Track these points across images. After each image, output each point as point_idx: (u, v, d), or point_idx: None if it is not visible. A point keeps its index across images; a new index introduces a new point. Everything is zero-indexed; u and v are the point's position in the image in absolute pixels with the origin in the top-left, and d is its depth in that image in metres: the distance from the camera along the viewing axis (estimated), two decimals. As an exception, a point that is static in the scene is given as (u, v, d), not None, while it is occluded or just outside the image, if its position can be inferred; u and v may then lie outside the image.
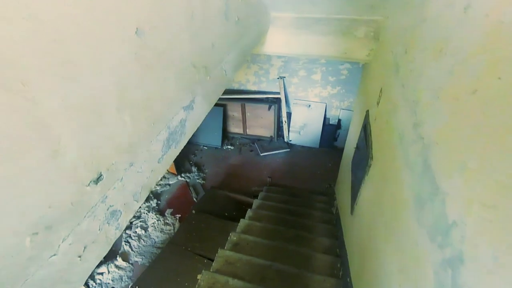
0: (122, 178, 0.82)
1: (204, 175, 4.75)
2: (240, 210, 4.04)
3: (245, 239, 2.64)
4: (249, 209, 3.41)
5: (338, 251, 2.75)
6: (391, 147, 1.58)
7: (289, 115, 5.29)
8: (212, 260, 2.43)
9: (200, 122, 1.33)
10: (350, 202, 2.53)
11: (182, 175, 4.64)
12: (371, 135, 2.16)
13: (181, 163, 4.91)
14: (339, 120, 5.09)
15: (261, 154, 5.11)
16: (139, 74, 0.83)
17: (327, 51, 2.64)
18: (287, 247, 2.56)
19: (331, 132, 5.18)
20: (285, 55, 4.57)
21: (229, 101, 5.11)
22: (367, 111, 2.42)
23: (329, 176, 4.65)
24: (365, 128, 2.38)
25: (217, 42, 1.40)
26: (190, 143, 5.42)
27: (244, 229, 2.90)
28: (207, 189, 4.37)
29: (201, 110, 1.31)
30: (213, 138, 5.29)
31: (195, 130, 1.28)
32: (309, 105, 5.07)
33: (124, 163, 0.82)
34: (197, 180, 4.61)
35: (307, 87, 4.93)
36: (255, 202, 3.67)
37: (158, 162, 1.00)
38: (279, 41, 2.67)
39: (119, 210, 0.83)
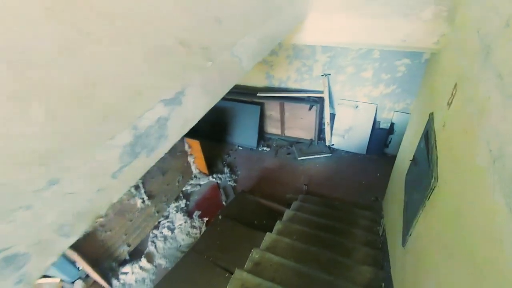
0: (30, 205, 0.53)
1: (236, 177, 4.49)
2: (270, 218, 3.68)
3: (269, 259, 2.28)
4: (278, 221, 3.03)
5: (383, 286, 2.22)
6: (473, 169, 1.07)
7: (332, 116, 4.75)
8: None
9: (195, 122, 1.00)
10: (402, 229, 1.99)
11: (214, 175, 4.45)
12: (436, 146, 1.62)
13: (213, 163, 4.73)
14: (392, 124, 4.39)
15: (299, 158, 4.67)
16: (63, 43, 0.53)
17: (381, 39, 2.12)
18: (318, 276, 2.13)
19: (382, 137, 4.50)
20: (328, 45, 4.06)
21: (267, 99, 4.77)
22: (431, 114, 1.86)
23: (377, 188, 4.02)
24: (427, 137, 1.83)
25: (227, 17, 1.07)
26: (224, 142, 5.22)
27: (270, 245, 2.54)
28: (238, 193, 4.10)
29: (197, 105, 0.98)
30: (249, 139, 5.01)
31: (185, 132, 0.96)
32: (357, 106, 4.47)
33: (33, 181, 0.53)
34: (228, 182, 4.37)
35: (355, 85, 4.34)
36: (286, 214, 3.27)
37: (113, 178, 0.70)
38: (320, 28, 2.24)
39: (25, 254, 0.54)
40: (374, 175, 4.25)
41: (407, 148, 2.55)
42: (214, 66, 1.04)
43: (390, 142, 4.52)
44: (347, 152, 4.73)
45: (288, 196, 4.06)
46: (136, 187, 3.38)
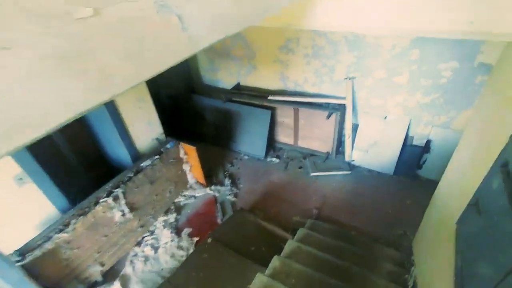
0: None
1: (237, 190, 3.90)
2: (271, 245, 3.05)
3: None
4: (276, 257, 2.40)
5: None
6: None
7: (355, 127, 4.04)
8: None
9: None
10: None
11: (212, 187, 3.89)
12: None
13: (214, 172, 4.18)
14: (428, 141, 3.62)
15: (312, 174, 4.00)
16: None
17: (432, 24, 1.46)
18: None
19: (415, 156, 3.73)
20: (352, 32, 3.38)
21: (279, 103, 4.16)
22: None
23: (405, 220, 3.26)
24: (508, 174, 1.14)
25: None
26: (229, 149, 4.66)
27: (259, 294, 1.92)
28: (236, 211, 3.51)
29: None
30: (256, 147, 4.41)
31: None
32: (385, 117, 3.74)
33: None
34: (228, 196, 3.79)
35: (385, 92, 3.63)
36: (289, 245, 2.63)
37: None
38: (340, 8, 1.61)
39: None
40: (402, 203, 3.49)
41: (457, 181, 1.83)
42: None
43: (424, 162, 3.74)
44: (369, 171, 4.00)
45: (295, 219, 3.40)
46: (115, 198, 2.89)
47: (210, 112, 4.74)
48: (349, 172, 3.96)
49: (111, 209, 2.86)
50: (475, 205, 1.32)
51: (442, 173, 3.71)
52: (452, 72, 3.10)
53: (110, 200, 2.83)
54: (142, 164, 3.21)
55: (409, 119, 3.61)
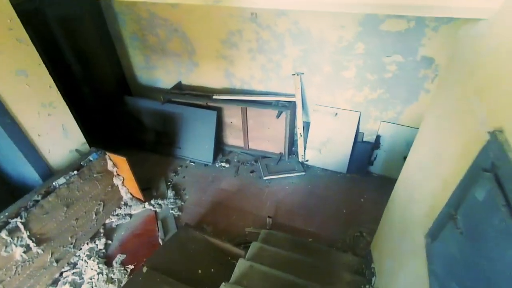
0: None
1: (183, 203, 3.43)
2: (222, 265, 2.68)
3: None
4: (223, 285, 2.03)
5: None
6: None
7: (306, 125, 3.86)
8: None
9: None
10: None
11: (153, 202, 3.36)
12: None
13: (155, 185, 3.64)
14: (378, 137, 3.57)
15: (265, 178, 3.71)
16: None
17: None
18: None
19: (366, 152, 3.67)
20: (295, 24, 3.17)
21: (226, 103, 3.79)
22: (496, 134, 0.94)
23: (361, 218, 3.14)
24: (498, 181, 0.90)
25: None
26: (173, 156, 4.15)
27: None
28: (180, 228, 3.04)
29: None
30: (203, 152, 3.98)
31: None
32: (336, 114, 3.61)
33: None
34: (171, 211, 3.30)
35: (334, 88, 3.49)
36: (239, 266, 2.27)
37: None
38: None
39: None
40: (357, 201, 3.37)
41: (419, 185, 1.65)
42: None
43: (375, 158, 3.69)
44: (324, 170, 3.85)
45: (248, 230, 3.07)
46: (12, 231, 2.23)
47: (148, 116, 4.17)
48: (303, 173, 3.76)
49: (6, 246, 2.20)
50: (452, 219, 1.10)
51: (392, 169, 3.75)
52: (397, 66, 3.05)
53: (3, 234, 2.17)
54: (54, 183, 2.58)
55: (358, 115, 3.52)
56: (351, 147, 3.62)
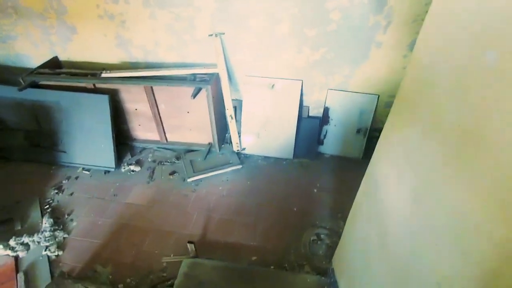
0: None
1: (66, 235, 2.32)
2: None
3: None
4: None
5: None
6: None
7: (238, 104, 2.99)
8: None
9: None
10: None
11: (13, 242, 2.17)
12: None
13: (20, 212, 2.42)
14: (326, 109, 2.89)
15: (190, 180, 2.77)
16: None
17: None
18: None
19: (313, 130, 2.97)
20: None
21: (122, 82, 2.69)
22: None
23: (316, 215, 2.45)
24: None
25: None
26: (57, 165, 2.92)
27: None
28: (52, 281, 1.95)
29: None
30: (100, 154, 2.84)
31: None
32: (273, 85, 2.80)
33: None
34: (45, 251, 2.17)
35: (267, 50, 2.65)
36: None
37: None
38: None
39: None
40: (309, 193, 2.67)
41: (415, 193, 0.89)
42: None
43: (325, 136, 3.02)
44: (265, 158, 3.05)
45: (164, 261, 2.13)
46: None
47: (10, 110, 2.84)
48: (240, 166, 2.91)
49: None
50: None
51: (346, 146, 3.12)
52: (341, 14, 2.32)
53: None
54: None
55: (300, 84, 2.76)
56: (295, 125, 2.87)
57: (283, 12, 2.39)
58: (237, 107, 3.04)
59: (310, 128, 2.97)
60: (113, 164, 2.84)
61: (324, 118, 2.93)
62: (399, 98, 1.07)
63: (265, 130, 2.94)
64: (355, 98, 2.76)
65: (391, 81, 2.62)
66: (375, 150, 1.34)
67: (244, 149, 3.04)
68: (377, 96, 2.73)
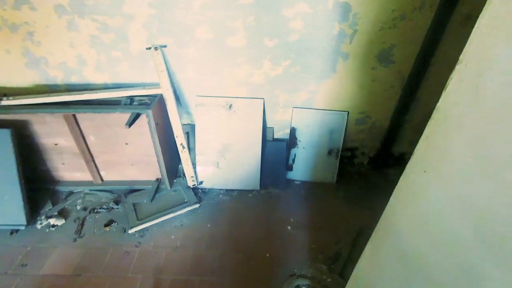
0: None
1: None
2: None
3: None
4: None
5: None
6: None
7: (190, 130, 2.51)
8: None
9: None
10: None
11: None
12: None
13: None
14: (293, 130, 2.54)
15: (131, 231, 2.16)
16: None
17: None
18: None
19: (280, 154, 2.59)
20: None
21: (31, 110, 2.04)
22: None
23: (293, 260, 2.02)
24: None
25: None
26: None
27: None
28: None
29: None
30: (3, 209, 2.11)
31: None
32: (230, 106, 2.38)
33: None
34: None
35: (219, 66, 2.24)
36: None
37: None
38: None
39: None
40: (282, 232, 2.23)
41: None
42: None
43: (294, 161, 2.65)
44: (228, 191, 2.57)
45: None
46: None
47: None
48: (197, 205, 2.38)
49: None
50: None
51: (318, 169, 2.75)
52: (303, 22, 2.02)
53: None
54: None
55: (262, 103, 2.39)
56: (259, 150, 2.46)
57: (235, 21, 2.01)
58: (190, 134, 2.55)
59: (277, 152, 2.58)
60: (23, 220, 2.12)
61: (292, 140, 2.57)
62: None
63: (225, 159, 2.48)
64: (324, 116, 2.45)
65: (360, 96, 2.37)
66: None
67: (201, 183, 2.53)
68: (347, 112, 2.45)
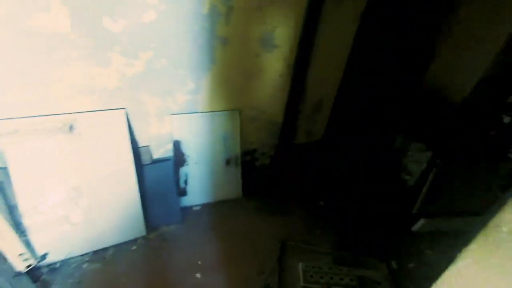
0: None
1: None
2: None
3: None
4: None
5: None
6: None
7: (3, 176, 1.49)
8: None
9: None
10: None
11: None
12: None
13: None
14: (177, 144, 1.92)
15: None
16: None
17: None
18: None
19: (166, 179, 1.93)
20: None
21: None
22: None
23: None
24: None
25: None
26: None
27: None
28: None
29: None
30: None
31: None
32: (70, 126, 1.53)
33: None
34: None
35: (31, 64, 1.35)
36: None
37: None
38: None
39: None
40: (191, 286, 1.61)
41: None
42: None
43: (186, 183, 2.04)
44: (96, 254, 1.71)
45: None
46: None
47: None
48: (40, 296, 1.44)
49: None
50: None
51: (219, 186, 2.21)
52: (162, 2, 1.42)
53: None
54: None
55: (123, 115, 1.65)
56: (134, 181, 1.73)
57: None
58: (4, 182, 1.53)
59: (161, 177, 1.91)
60: None
61: (178, 157, 1.95)
62: None
63: (79, 207, 1.61)
64: (213, 120, 1.95)
65: (249, 89, 2.00)
66: None
67: (44, 256, 1.57)
68: (238, 111, 2.04)
